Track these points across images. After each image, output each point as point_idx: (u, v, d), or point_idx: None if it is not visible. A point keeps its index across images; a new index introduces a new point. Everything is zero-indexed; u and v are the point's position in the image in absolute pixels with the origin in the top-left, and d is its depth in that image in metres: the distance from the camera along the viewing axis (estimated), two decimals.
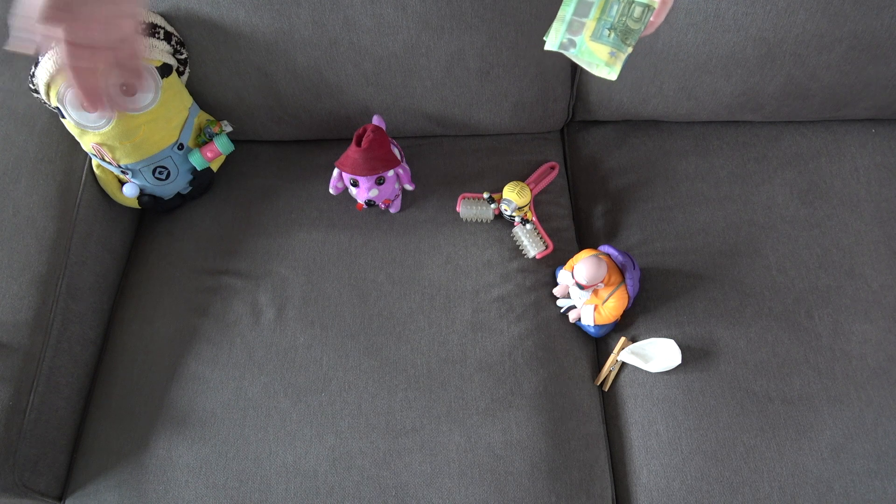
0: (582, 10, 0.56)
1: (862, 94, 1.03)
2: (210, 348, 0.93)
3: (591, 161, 1.12)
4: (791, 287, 0.96)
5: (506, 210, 1.00)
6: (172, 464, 0.86)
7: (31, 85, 0.89)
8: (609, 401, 0.94)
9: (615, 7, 0.56)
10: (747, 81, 1.00)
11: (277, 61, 0.96)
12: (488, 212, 1.01)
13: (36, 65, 0.87)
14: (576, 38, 0.56)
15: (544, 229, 1.01)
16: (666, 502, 0.85)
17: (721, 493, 0.84)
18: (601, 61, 0.56)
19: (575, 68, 1.05)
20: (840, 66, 0.97)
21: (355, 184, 0.97)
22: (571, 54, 0.56)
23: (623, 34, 0.56)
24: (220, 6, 0.90)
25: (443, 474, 0.84)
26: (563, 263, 0.98)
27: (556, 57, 1.00)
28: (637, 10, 0.56)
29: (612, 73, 0.56)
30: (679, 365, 0.90)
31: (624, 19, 0.56)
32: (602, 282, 0.89)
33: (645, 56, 0.98)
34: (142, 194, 1.01)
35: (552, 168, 1.09)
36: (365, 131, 0.94)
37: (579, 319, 0.95)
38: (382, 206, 1.01)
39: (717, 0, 0.90)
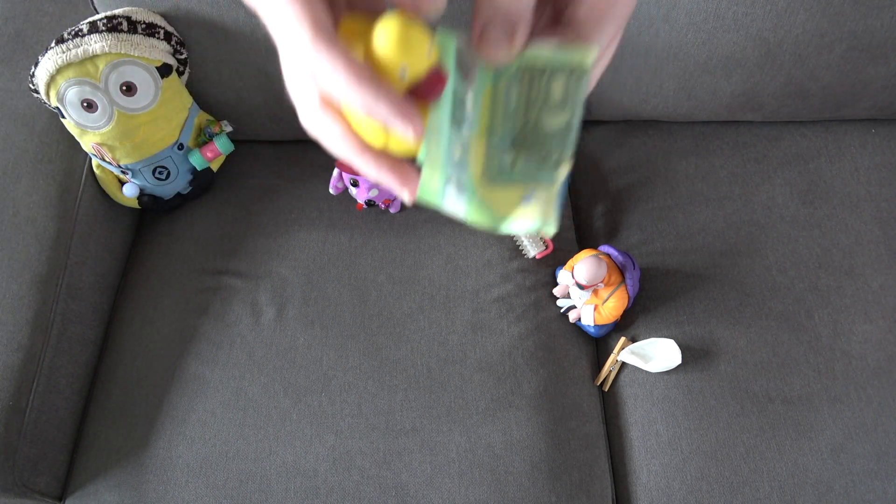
0: (461, 110, 0.27)
1: (862, 94, 1.03)
2: (210, 348, 0.93)
3: (591, 161, 1.12)
4: (791, 287, 0.96)
5: None
6: (172, 464, 0.86)
7: (31, 85, 0.89)
8: (609, 401, 0.94)
9: (513, 93, 0.28)
10: (747, 81, 1.00)
11: (277, 61, 0.96)
12: None
13: (36, 65, 0.87)
14: (461, 182, 0.27)
15: None
16: (666, 502, 0.85)
17: (721, 493, 0.84)
18: (514, 221, 0.28)
19: None
20: (840, 66, 0.97)
21: (355, 184, 0.97)
22: (461, 214, 0.28)
23: (539, 149, 0.28)
24: (220, 6, 0.90)
25: (443, 474, 0.84)
26: (563, 263, 0.98)
27: None
28: (556, 88, 0.27)
29: (545, 227, 0.28)
30: (679, 365, 0.90)
31: (535, 116, 0.28)
32: (602, 282, 0.89)
33: (645, 56, 0.98)
34: (142, 194, 1.01)
35: None
36: None
37: (579, 319, 0.95)
38: (382, 206, 1.01)
39: (717, 0, 0.90)
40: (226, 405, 0.89)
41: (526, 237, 0.99)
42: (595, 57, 0.27)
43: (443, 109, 0.26)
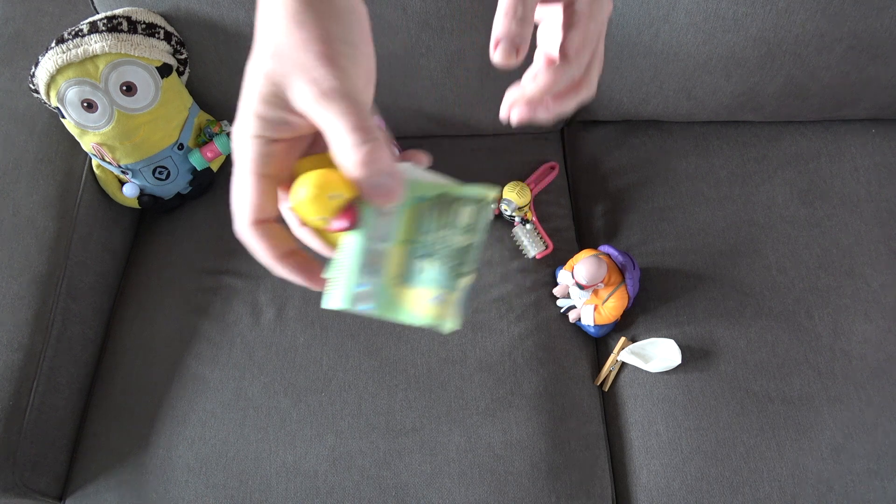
0: (378, 232, 0.32)
1: (862, 94, 1.03)
2: (210, 348, 0.93)
3: (591, 161, 1.12)
4: (791, 287, 0.96)
5: (506, 210, 1.00)
6: (172, 464, 0.86)
7: (31, 85, 0.89)
8: (609, 401, 0.94)
9: (431, 215, 0.33)
10: (747, 81, 1.00)
11: None
12: None
13: (36, 65, 0.87)
14: (373, 286, 0.32)
15: (544, 229, 1.01)
16: (666, 502, 0.85)
17: (721, 493, 0.84)
18: (420, 317, 0.33)
19: None
20: (840, 66, 0.97)
21: None
22: (370, 311, 0.33)
23: (451, 261, 0.33)
24: (220, 6, 0.90)
25: (443, 474, 0.84)
26: (563, 263, 0.98)
27: None
28: (465, 214, 0.33)
29: (446, 325, 0.33)
30: (679, 365, 0.90)
31: (447, 236, 0.33)
32: (602, 282, 0.89)
33: (645, 56, 0.98)
34: (142, 194, 1.01)
35: (552, 168, 1.09)
36: None
37: (579, 319, 0.95)
38: None
39: (716, 0, 0.90)
40: (226, 405, 0.89)
41: (526, 237, 0.99)
42: (495, 196, 0.35)
43: (358, 236, 0.32)
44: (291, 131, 0.32)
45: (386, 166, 0.31)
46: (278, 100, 0.31)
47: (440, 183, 0.33)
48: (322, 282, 0.34)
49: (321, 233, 0.34)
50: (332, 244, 0.34)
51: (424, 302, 0.33)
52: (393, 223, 0.33)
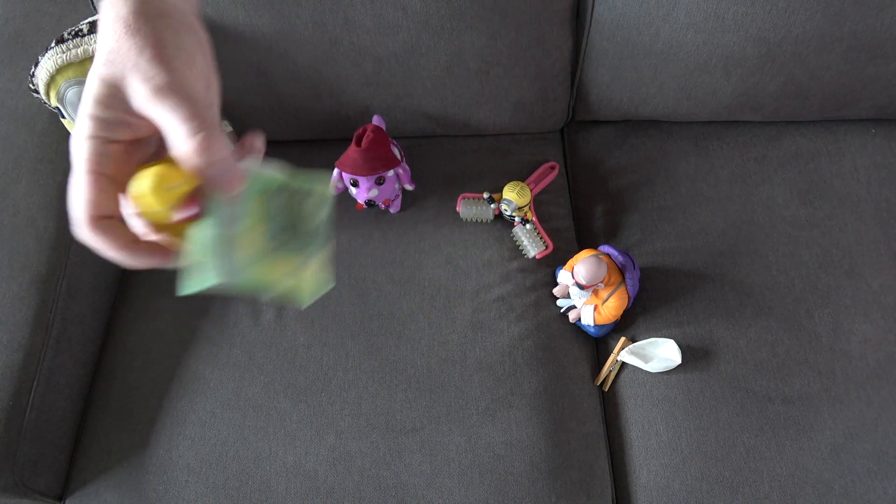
0: (225, 218, 0.34)
1: (862, 94, 1.03)
2: (210, 348, 0.93)
3: (591, 161, 1.12)
4: (791, 287, 0.96)
5: (506, 210, 1.00)
6: (172, 464, 0.86)
7: (31, 85, 0.89)
8: (609, 401, 0.94)
9: (275, 202, 0.36)
10: (747, 81, 1.00)
11: (277, 61, 0.96)
12: (488, 212, 1.01)
13: (36, 65, 0.87)
14: (229, 266, 0.34)
15: (544, 229, 1.01)
16: (666, 502, 0.85)
17: (721, 493, 0.84)
18: (284, 286, 0.36)
19: (575, 68, 1.05)
20: (840, 66, 0.97)
21: (355, 184, 0.97)
22: (231, 287, 0.34)
23: (306, 236, 0.37)
24: (220, 6, 0.90)
25: (443, 474, 0.84)
26: (563, 263, 0.98)
27: (557, 57, 1.00)
28: (308, 204, 0.37)
29: (317, 289, 0.37)
30: (679, 365, 0.90)
31: (295, 217, 0.37)
32: (602, 282, 0.88)
33: (645, 56, 0.98)
34: None
35: (552, 168, 1.09)
36: (365, 131, 0.94)
37: (579, 319, 0.95)
38: (382, 206, 1.01)
39: (716, 0, 0.90)
40: (226, 405, 0.89)
41: (526, 237, 0.99)
42: (328, 192, 0.38)
43: (205, 223, 0.34)
44: (129, 132, 0.33)
45: (222, 155, 0.32)
46: (114, 100, 0.32)
47: (280, 176, 0.36)
48: (176, 256, 0.35)
49: (166, 228, 0.34)
50: (179, 238, 0.35)
51: (287, 272, 0.36)
52: (240, 209, 0.35)
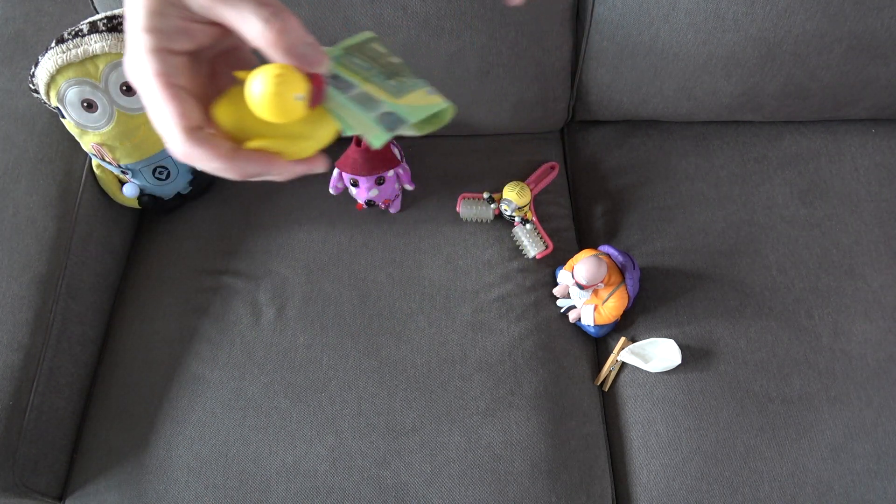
0: (340, 86, 0.36)
1: (862, 94, 1.03)
2: (210, 348, 0.93)
3: (591, 161, 1.12)
4: (791, 287, 0.96)
5: (506, 210, 1.00)
6: (172, 464, 0.86)
7: (31, 85, 0.89)
8: (609, 401, 0.94)
9: (355, 60, 0.37)
10: (747, 81, 1.00)
11: None
12: (488, 212, 1.01)
13: (36, 65, 0.87)
14: (385, 109, 0.35)
15: (544, 229, 1.01)
16: (666, 502, 0.85)
17: (721, 493, 0.84)
18: (436, 105, 0.37)
19: (575, 68, 1.05)
20: (840, 66, 0.97)
21: (355, 184, 0.97)
22: (406, 127, 0.36)
23: (401, 71, 0.39)
24: None
25: (443, 474, 0.84)
26: (563, 263, 0.98)
27: (556, 57, 1.00)
28: (376, 47, 0.39)
29: (448, 106, 0.38)
30: (679, 365, 0.90)
31: (383, 61, 0.38)
32: (602, 282, 0.89)
33: (645, 56, 0.98)
34: (142, 194, 1.01)
35: (552, 168, 1.09)
36: None
37: (579, 319, 0.95)
38: (382, 206, 1.01)
39: (716, 0, 0.90)
40: (226, 405, 0.89)
41: (526, 237, 0.99)
42: (372, 34, 0.39)
43: (335, 94, 0.35)
44: (190, 41, 0.31)
45: (300, 32, 0.31)
46: (171, 8, 0.30)
47: (336, 45, 0.37)
48: (286, 166, 0.33)
49: (277, 128, 0.33)
50: (282, 140, 0.34)
51: (425, 96, 0.37)
52: (340, 76, 0.36)
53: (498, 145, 1.11)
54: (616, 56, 0.99)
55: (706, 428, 0.87)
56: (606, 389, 0.95)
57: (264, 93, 0.31)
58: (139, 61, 0.30)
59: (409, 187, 1.02)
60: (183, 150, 0.31)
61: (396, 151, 1.00)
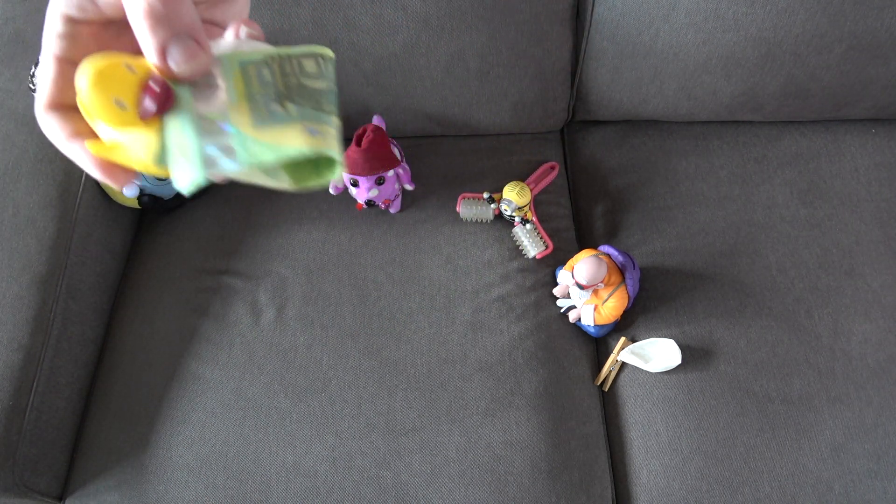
0: (203, 99, 0.29)
1: (862, 94, 1.03)
2: (210, 348, 0.93)
3: (591, 161, 1.12)
4: (791, 287, 0.96)
5: (506, 210, 1.00)
6: (172, 464, 0.86)
7: (31, 85, 0.89)
8: (609, 401, 0.94)
9: (265, 72, 0.30)
10: (747, 81, 1.00)
11: None
12: (488, 212, 1.01)
13: (36, 65, 0.87)
14: (224, 142, 0.29)
15: (544, 229, 1.01)
16: (666, 502, 0.85)
17: (721, 493, 0.84)
18: (297, 149, 0.29)
19: (575, 68, 1.05)
20: (840, 66, 0.97)
21: (355, 184, 0.97)
22: (234, 170, 0.29)
23: (311, 100, 0.31)
24: None
25: (443, 474, 0.84)
26: (563, 263, 0.98)
27: (557, 57, 1.00)
28: (308, 65, 0.31)
29: (331, 156, 0.31)
30: (679, 365, 0.90)
31: (294, 79, 0.31)
32: (602, 282, 0.88)
33: (645, 56, 0.98)
34: (142, 194, 1.01)
35: (552, 168, 1.09)
36: (365, 131, 0.94)
37: (579, 319, 0.95)
38: (382, 206, 1.01)
39: (716, 0, 0.90)
40: (226, 405, 0.89)
41: (526, 237, 0.99)
42: (331, 54, 0.32)
43: (179, 111, 0.29)
44: (96, 11, 0.29)
45: (185, 19, 0.27)
46: None
47: (267, 48, 0.31)
48: (121, 174, 0.30)
49: (129, 127, 0.29)
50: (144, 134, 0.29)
51: (298, 135, 0.30)
52: (220, 88, 0.29)
53: (498, 145, 1.11)
54: (616, 56, 0.99)
55: (706, 428, 0.87)
56: (606, 389, 0.95)
57: (82, 87, 0.26)
58: (49, 20, 0.29)
59: (409, 187, 1.02)
60: (39, 117, 0.30)
61: (396, 151, 1.00)
